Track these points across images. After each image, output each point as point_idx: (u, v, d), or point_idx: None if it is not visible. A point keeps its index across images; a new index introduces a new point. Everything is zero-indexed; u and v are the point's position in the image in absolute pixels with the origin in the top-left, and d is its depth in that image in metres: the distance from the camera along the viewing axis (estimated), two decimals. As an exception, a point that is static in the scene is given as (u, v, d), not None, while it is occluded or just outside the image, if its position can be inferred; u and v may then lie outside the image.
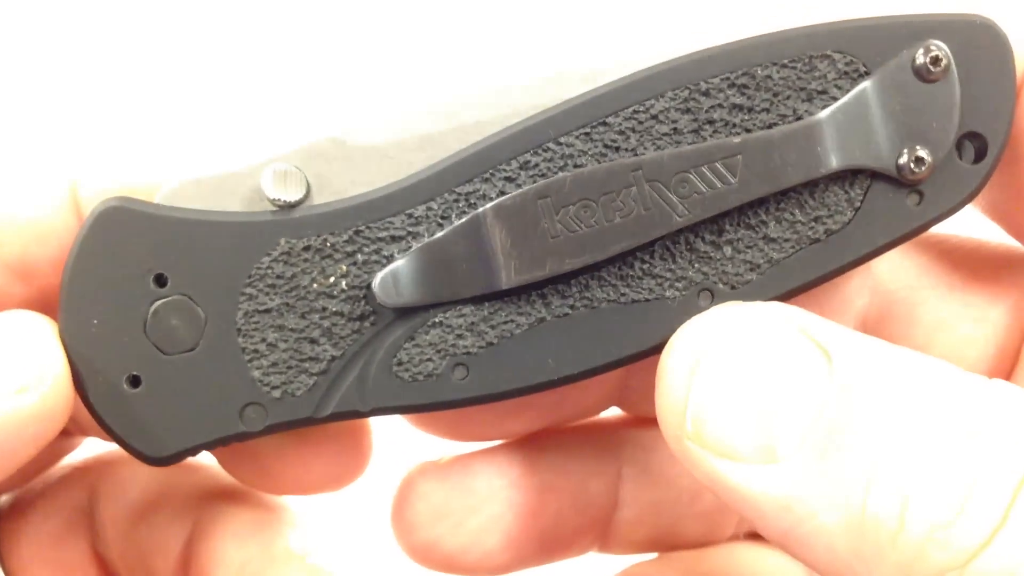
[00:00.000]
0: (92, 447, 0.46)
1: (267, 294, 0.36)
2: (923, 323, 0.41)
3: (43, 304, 0.38)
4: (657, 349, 0.36)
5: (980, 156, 0.37)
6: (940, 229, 0.39)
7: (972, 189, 0.37)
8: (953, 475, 0.29)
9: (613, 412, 0.48)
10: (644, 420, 0.47)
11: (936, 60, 0.36)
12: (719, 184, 0.36)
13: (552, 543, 0.46)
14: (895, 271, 0.42)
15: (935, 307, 0.41)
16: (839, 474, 0.30)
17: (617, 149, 0.36)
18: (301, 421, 0.37)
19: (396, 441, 0.45)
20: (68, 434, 0.44)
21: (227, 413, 0.37)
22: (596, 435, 0.47)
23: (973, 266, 0.42)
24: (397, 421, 0.43)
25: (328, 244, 0.36)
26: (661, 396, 0.34)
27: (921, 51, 0.36)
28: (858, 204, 0.37)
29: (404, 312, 0.37)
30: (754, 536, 0.48)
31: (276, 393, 0.37)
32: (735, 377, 0.32)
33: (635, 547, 0.48)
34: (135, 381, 0.36)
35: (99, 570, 0.45)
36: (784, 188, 0.36)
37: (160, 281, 0.36)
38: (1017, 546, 0.28)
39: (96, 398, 0.36)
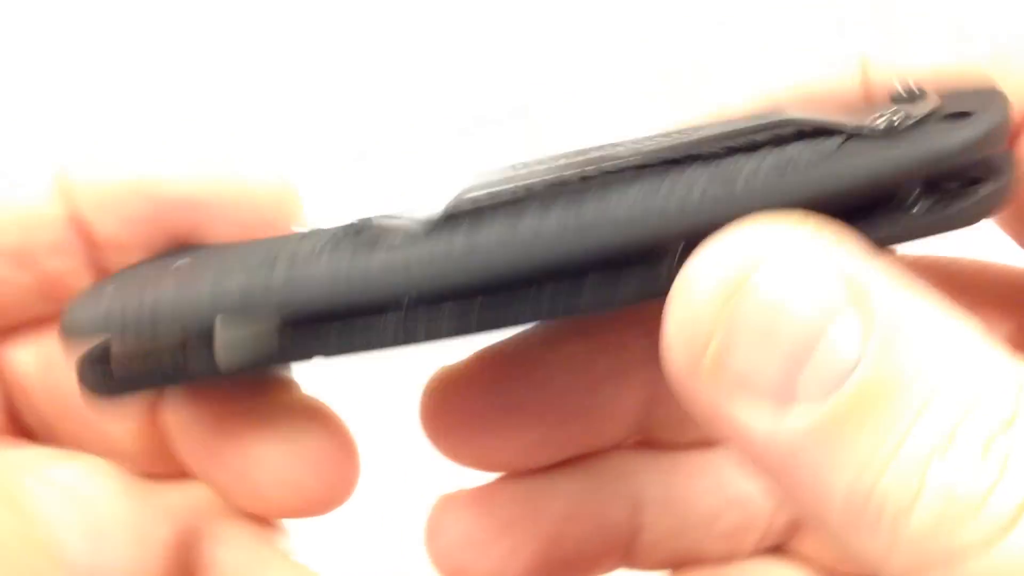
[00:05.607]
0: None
1: None
2: None
3: (43, 290, 0.39)
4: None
5: None
6: (939, 252, 0.39)
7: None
8: (983, 456, 0.27)
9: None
10: (663, 444, 0.48)
11: None
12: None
13: (577, 566, 0.47)
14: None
15: None
16: (856, 439, 0.28)
17: None
18: None
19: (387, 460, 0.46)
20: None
21: None
22: (615, 462, 0.48)
23: (974, 290, 0.40)
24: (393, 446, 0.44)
25: None
26: (682, 320, 0.31)
27: None
28: None
29: None
30: (773, 551, 0.49)
31: None
32: (773, 314, 0.30)
33: (658, 565, 0.49)
34: None
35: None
36: None
37: None
38: None
39: None
